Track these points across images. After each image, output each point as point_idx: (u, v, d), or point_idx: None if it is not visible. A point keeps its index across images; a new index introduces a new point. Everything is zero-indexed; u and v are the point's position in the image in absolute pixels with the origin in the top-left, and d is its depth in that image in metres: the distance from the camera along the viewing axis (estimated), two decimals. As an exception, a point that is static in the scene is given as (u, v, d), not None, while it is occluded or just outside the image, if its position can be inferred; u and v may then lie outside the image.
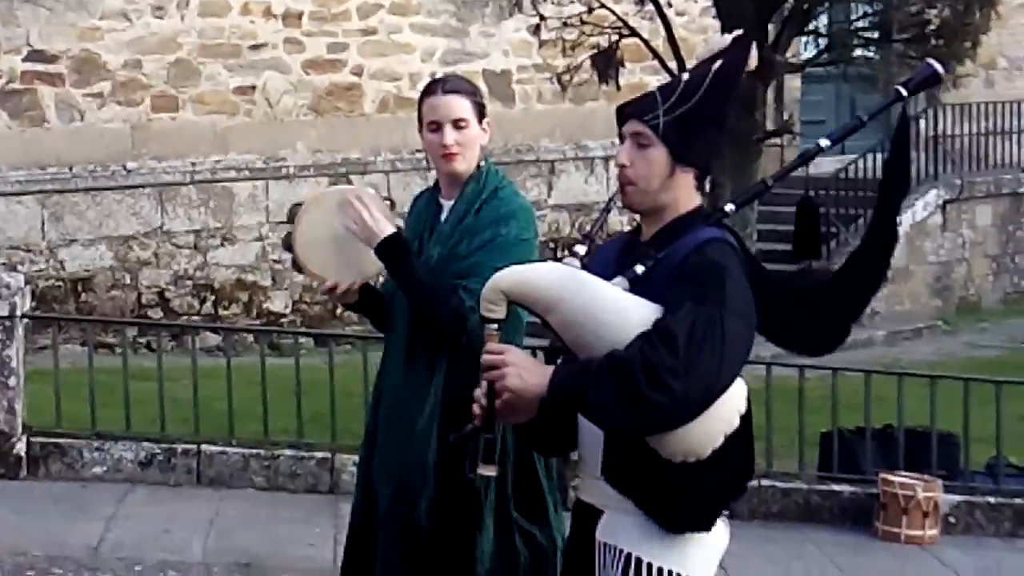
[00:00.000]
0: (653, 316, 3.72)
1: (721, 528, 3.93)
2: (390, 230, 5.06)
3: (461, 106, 5.09)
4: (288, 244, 5.37)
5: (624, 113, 4.00)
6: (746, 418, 3.86)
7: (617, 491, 3.89)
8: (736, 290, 3.76)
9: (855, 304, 4.09)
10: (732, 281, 3.77)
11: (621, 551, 3.88)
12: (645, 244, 3.97)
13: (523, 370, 3.78)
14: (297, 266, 5.37)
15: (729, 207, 3.98)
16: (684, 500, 3.80)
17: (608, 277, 3.86)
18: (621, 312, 3.75)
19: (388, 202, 5.51)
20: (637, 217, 4.05)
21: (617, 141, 4.04)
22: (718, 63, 3.96)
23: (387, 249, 5.05)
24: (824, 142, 4.05)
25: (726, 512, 3.95)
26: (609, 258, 4.02)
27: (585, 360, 3.75)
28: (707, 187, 4.04)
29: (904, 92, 4.04)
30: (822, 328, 4.05)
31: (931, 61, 4.08)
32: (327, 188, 5.42)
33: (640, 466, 3.81)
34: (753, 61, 4.00)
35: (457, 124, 5.08)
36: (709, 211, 3.97)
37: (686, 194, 3.95)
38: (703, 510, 3.85)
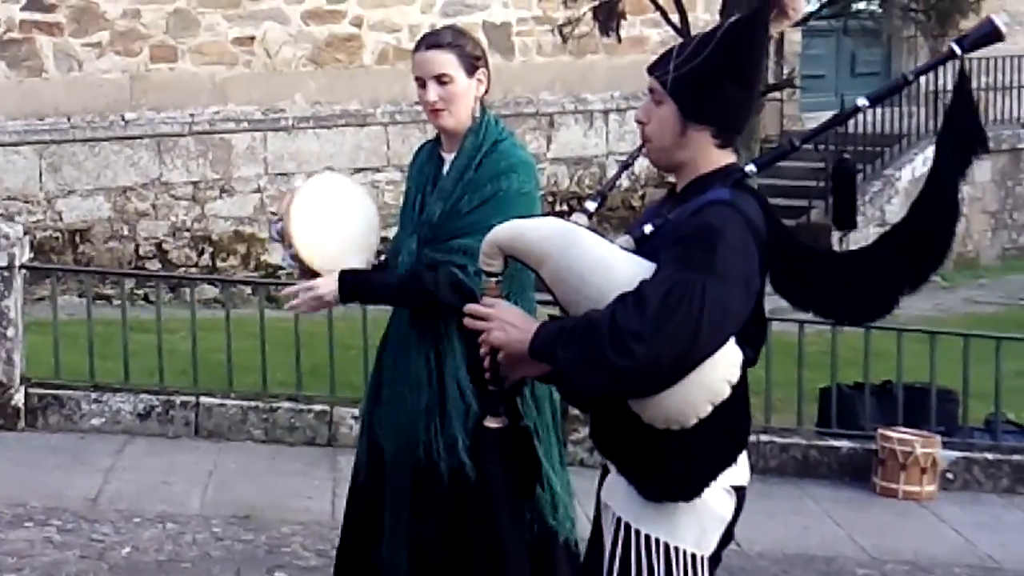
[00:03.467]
0: (642, 277, 3.59)
1: (722, 498, 3.79)
2: (331, 289, 5.06)
3: (442, 61, 5.02)
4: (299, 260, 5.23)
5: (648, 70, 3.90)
6: (739, 388, 3.70)
7: (601, 455, 3.85)
8: (729, 256, 3.58)
9: (904, 277, 3.73)
10: (725, 247, 3.58)
11: (614, 514, 3.83)
12: (673, 201, 3.86)
13: (507, 325, 3.74)
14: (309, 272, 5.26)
15: (750, 168, 3.82)
16: (666, 468, 3.68)
17: None
18: (607, 271, 3.65)
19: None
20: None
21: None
22: (735, 17, 3.81)
23: (349, 295, 5.08)
24: (862, 101, 3.77)
25: (736, 483, 3.81)
26: (650, 214, 3.90)
27: (566, 318, 3.70)
28: (734, 145, 3.84)
29: (958, 49, 3.70)
30: (862, 297, 3.76)
31: (993, 17, 3.72)
32: (289, 202, 5.32)
33: (623, 431, 3.72)
34: (796, 14, 3.77)
35: (440, 80, 5.02)
36: (733, 170, 3.79)
37: (704, 152, 3.81)
38: (686, 480, 3.70)
